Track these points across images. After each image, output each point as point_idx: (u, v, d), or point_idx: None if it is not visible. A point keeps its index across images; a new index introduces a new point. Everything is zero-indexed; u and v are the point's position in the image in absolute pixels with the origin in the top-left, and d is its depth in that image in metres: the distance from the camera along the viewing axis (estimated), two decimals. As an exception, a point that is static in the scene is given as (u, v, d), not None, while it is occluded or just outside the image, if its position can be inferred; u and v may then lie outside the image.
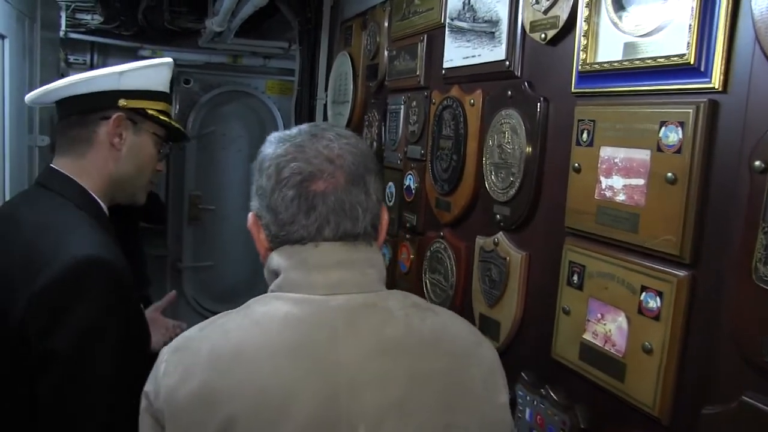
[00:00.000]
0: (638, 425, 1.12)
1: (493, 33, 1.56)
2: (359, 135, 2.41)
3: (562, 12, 1.32)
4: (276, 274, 0.89)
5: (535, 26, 1.41)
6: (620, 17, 1.16)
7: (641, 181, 1.11)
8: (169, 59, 1.38)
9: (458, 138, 1.71)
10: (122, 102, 1.27)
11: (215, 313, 0.91)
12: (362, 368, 0.82)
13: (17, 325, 1.06)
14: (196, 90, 4.82)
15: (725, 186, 0.99)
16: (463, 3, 1.69)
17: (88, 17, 4.07)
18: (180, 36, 4.31)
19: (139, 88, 1.29)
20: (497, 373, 0.93)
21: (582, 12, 1.24)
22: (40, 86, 1.30)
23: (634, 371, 1.12)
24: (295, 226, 0.86)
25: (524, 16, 1.45)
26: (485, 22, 1.59)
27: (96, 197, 1.26)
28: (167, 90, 1.37)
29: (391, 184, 2.18)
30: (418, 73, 1.98)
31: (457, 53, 1.73)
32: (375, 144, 2.31)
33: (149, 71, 1.32)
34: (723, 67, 0.98)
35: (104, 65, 4.26)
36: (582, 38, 1.24)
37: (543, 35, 1.38)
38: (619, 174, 1.16)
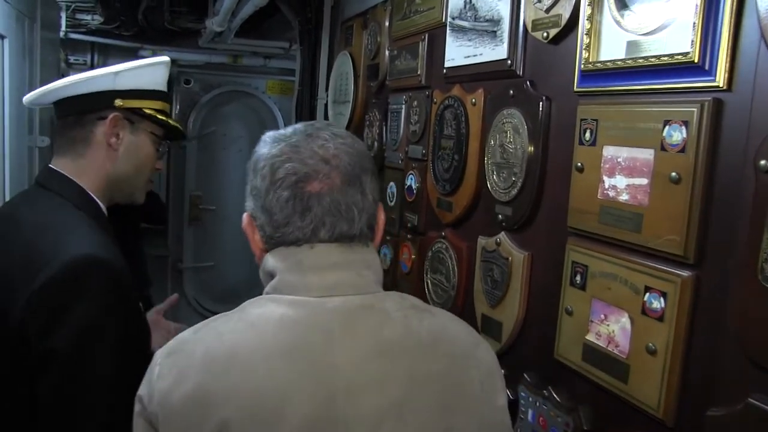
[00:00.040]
0: (642, 427, 1.11)
1: (495, 32, 1.55)
2: (360, 135, 2.41)
3: (564, 10, 1.31)
4: (271, 275, 0.88)
5: (537, 25, 1.40)
6: (623, 15, 1.15)
7: (645, 181, 1.10)
8: (165, 58, 1.37)
9: (460, 138, 1.70)
10: (118, 102, 1.27)
11: (216, 314, 0.90)
12: (360, 370, 0.82)
13: (17, 324, 1.06)
14: (196, 90, 4.82)
15: (730, 185, 0.98)
16: (465, 2, 1.68)
17: (88, 17, 4.07)
18: (180, 36, 4.31)
19: (135, 87, 1.29)
20: (496, 374, 0.93)
21: (584, 10, 1.23)
22: (40, 86, 1.30)
23: (638, 372, 1.11)
24: (290, 228, 0.86)
25: (526, 15, 1.45)
26: (487, 21, 1.59)
27: (94, 197, 1.27)
28: (164, 89, 1.37)
29: (392, 184, 2.17)
30: (419, 73, 1.97)
31: (458, 52, 1.72)
32: (376, 144, 2.30)
33: (145, 70, 1.32)
34: (728, 66, 0.97)
35: (104, 65, 4.23)
36: (584, 37, 1.23)
37: (545, 34, 1.37)
38: (622, 173, 1.15)
